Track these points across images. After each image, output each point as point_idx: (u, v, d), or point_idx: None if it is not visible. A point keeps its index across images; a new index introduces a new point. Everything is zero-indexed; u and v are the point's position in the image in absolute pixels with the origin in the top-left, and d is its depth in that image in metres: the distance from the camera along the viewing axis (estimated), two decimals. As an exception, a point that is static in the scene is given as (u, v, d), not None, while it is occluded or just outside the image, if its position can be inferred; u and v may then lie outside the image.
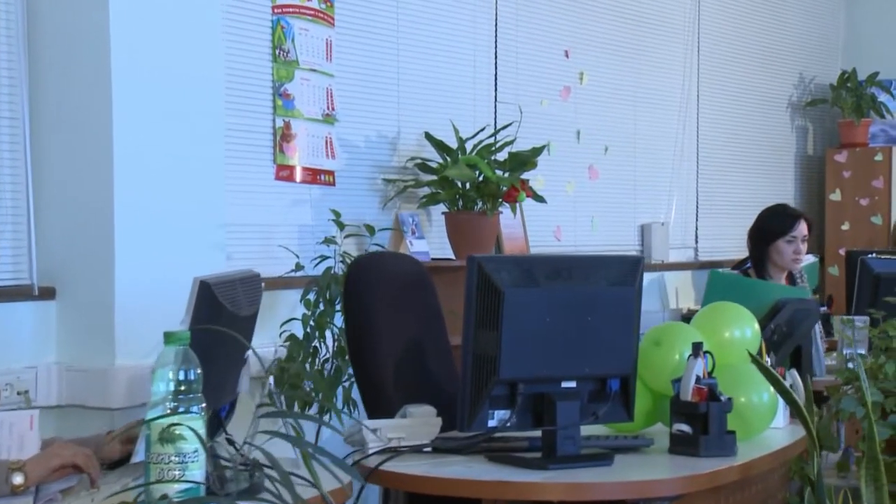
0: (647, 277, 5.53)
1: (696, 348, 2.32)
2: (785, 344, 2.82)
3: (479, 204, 4.11)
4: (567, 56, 5.03)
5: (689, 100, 5.78)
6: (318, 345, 3.36)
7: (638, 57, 5.43)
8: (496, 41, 4.66)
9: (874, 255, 3.69)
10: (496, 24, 4.64)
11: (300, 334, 3.36)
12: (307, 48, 3.76)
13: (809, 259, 5.59)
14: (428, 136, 4.12)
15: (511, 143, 4.18)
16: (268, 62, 3.64)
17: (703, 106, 5.87)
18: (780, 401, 2.58)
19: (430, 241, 4.27)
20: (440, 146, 4.10)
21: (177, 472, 1.57)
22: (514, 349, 2.10)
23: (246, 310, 1.87)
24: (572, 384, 2.19)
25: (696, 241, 5.87)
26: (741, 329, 2.54)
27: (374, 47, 4.09)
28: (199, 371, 1.60)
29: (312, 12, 3.78)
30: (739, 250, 5.50)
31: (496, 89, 4.68)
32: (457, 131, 4.15)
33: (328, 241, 3.55)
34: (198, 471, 1.57)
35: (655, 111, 5.56)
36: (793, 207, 4.30)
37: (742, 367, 2.47)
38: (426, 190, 4.12)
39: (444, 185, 4.04)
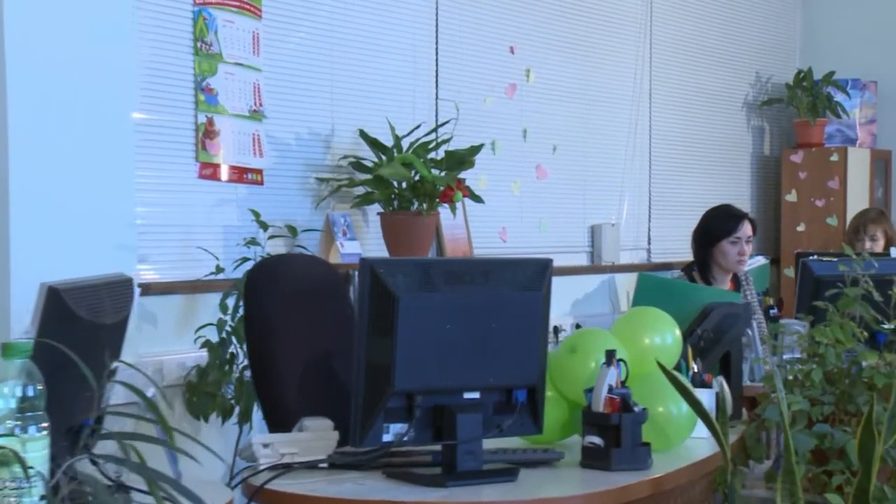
0: (598, 279, 5.43)
1: (610, 356, 2.20)
2: (713, 350, 2.71)
3: (416, 204, 3.98)
4: (513, 52, 4.91)
5: (641, 98, 5.68)
6: (235, 351, 3.22)
7: (587, 54, 5.33)
8: (437, 36, 4.53)
9: (815, 257, 3.59)
10: (437, 19, 4.52)
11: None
12: (232, 41, 3.62)
13: (760, 261, 5.51)
14: (362, 134, 3.98)
15: (447, 141, 4.06)
16: (189, 55, 3.50)
17: (656, 104, 5.77)
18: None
19: (366, 243, 4.14)
20: (375, 144, 3.97)
21: (12, 499, 1.43)
22: (411, 358, 1.97)
23: (111, 317, 1.74)
24: (475, 395, 2.06)
25: (649, 243, 5.77)
26: (661, 335, 2.43)
27: (306, 41, 3.95)
28: (40, 387, 1.47)
29: (237, 4, 3.64)
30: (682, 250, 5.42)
31: (437, 86, 4.55)
32: (393, 129, 4.02)
33: (251, 242, 3.41)
34: (37, 497, 1.44)
35: (606, 109, 5.45)
36: (736, 208, 4.21)
37: (661, 375, 2.35)
38: (361, 190, 3.99)
39: (378, 185, 3.91)
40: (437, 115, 4.54)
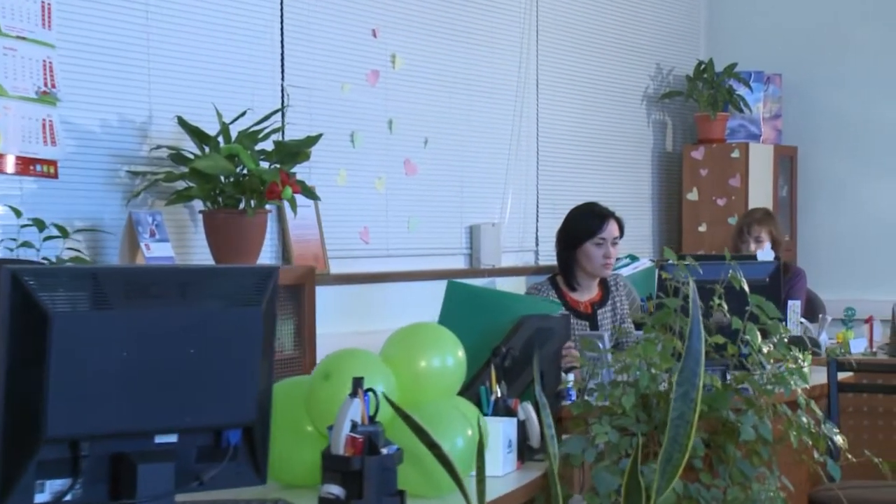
0: (476, 284, 5.03)
1: (356, 385, 1.78)
2: (524, 371, 2.31)
3: (243, 202, 3.54)
4: (375, 36, 4.49)
5: (527, 87, 5.29)
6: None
7: (464, 38, 4.91)
8: (282, 13, 4.09)
9: (670, 261, 3.20)
10: (281, -5, 4.08)
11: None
12: (13, 11, 3.14)
13: (645, 264, 5.15)
14: (181, 121, 3.53)
15: (277, 130, 3.61)
16: (-44, 28, 3.03)
17: (544, 94, 5.38)
18: (506, 443, 2.07)
19: (192, 245, 3.69)
20: (195, 133, 3.51)
21: None
22: (71, 396, 1.54)
23: None
24: (171, 439, 1.63)
25: (537, 244, 5.37)
26: (441, 357, 2.02)
27: (114, 13, 3.48)
28: None
29: (20, -30, 3.17)
30: None
31: (283, 71, 4.11)
32: (220, 115, 3.57)
33: (24, 244, 2.95)
34: None
35: (486, 99, 5.05)
36: (602, 206, 3.82)
37: (437, 406, 1.94)
38: (184, 185, 3.54)
39: (198, 179, 3.47)
40: (282, 104, 4.10)
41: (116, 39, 3.47)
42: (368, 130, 4.48)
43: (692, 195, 6.05)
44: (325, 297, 4.26)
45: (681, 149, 6.21)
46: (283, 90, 4.09)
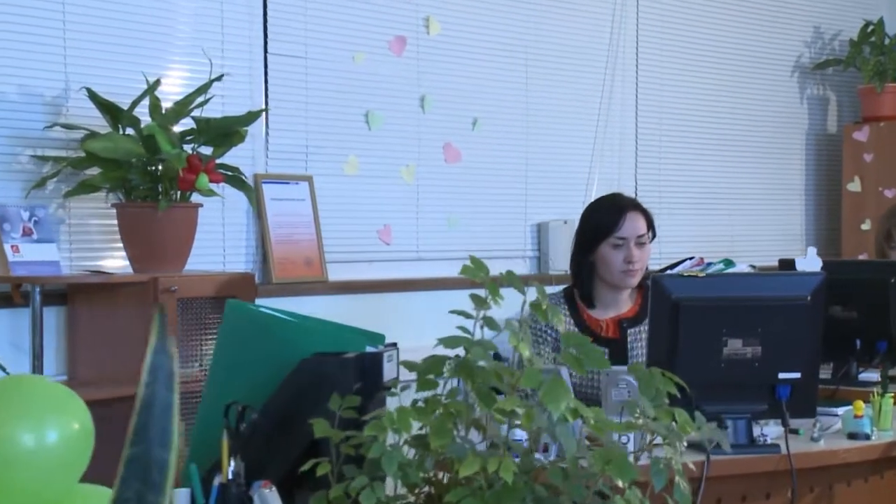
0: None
1: None
2: (287, 438, 1.45)
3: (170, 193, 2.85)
4: (402, -6, 3.70)
5: (623, 56, 4.32)
6: None
7: (526, -3, 4.03)
8: (261, -34, 3.39)
9: (676, 271, 2.23)
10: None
11: None
12: None
13: (744, 268, 4.03)
14: (91, 94, 2.88)
15: (205, 103, 2.87)
16: None
17: (647, 66, 4.39)
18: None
19: (117, 248, 3.02)
20: (105, 108, 2.86)
21: None
22: None
23: None
24: None
25: (638, 247, 4.37)
26: (35, 430, 1.21)
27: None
28: None
29: None
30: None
31: (266, 36, 3.40)
32: (151, 88, 2.90)
33: None
34: None
35: (562, 72, 4.14)
36: (624, 196, 2.82)
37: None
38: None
39: (105, 166, 2.80)
40: (266, 77, 3.39)
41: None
42: (391, 109, 3.69)
43: (854, 185, 4.85)
44: (319, 311, 3.50)
45: (841, 129, 5.00)
46: (265, 60, 3.37)
